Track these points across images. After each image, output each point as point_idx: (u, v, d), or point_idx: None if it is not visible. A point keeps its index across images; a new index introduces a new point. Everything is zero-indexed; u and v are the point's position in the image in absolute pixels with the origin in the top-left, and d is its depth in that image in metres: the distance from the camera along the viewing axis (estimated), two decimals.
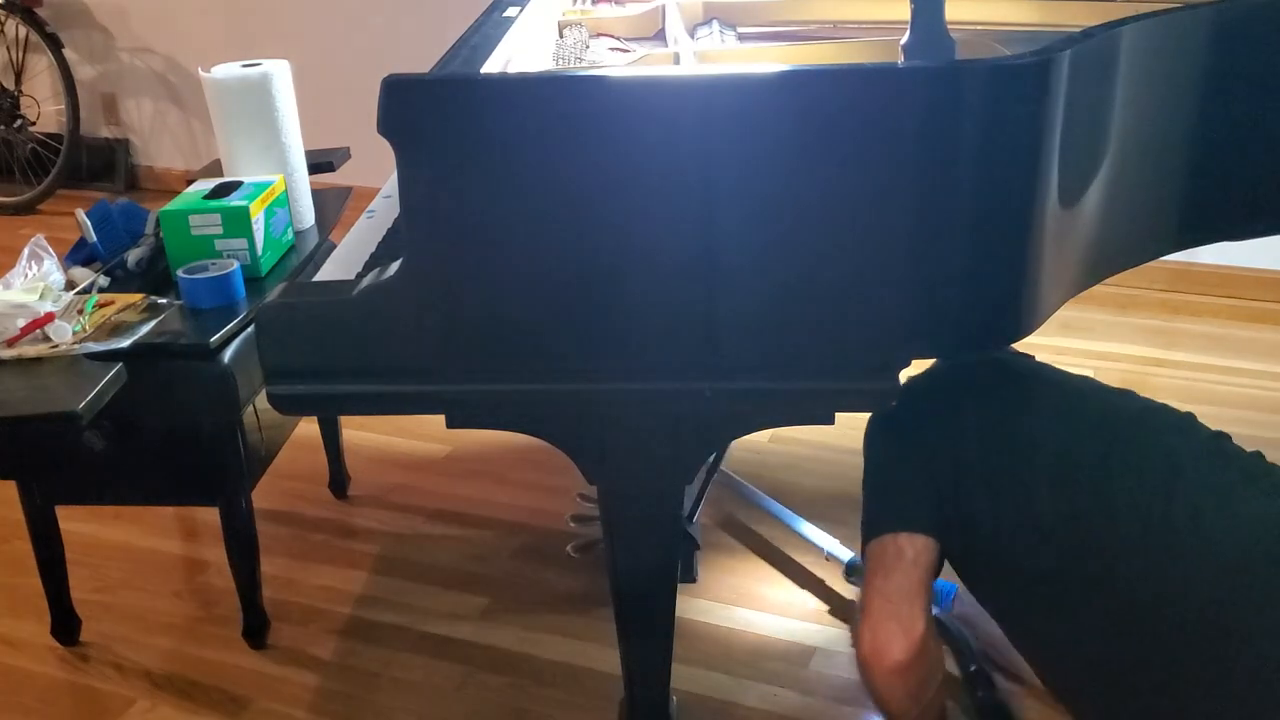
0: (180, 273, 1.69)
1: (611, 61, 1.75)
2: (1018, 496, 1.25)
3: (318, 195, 2.05)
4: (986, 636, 1.70)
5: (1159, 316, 2.94)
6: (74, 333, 1.59)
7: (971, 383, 1.36)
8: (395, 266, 1.22)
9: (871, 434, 1.41)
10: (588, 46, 1.79)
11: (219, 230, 1.74)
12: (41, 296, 1.64)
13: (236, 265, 1.71)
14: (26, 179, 4.16)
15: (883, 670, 1.31)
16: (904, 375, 1.29)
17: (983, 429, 1.30)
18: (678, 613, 1.51)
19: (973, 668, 1.66)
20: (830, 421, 1.31)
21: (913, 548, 1.28)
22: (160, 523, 2.21)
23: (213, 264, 1.71)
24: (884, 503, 1.35)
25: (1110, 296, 2.92)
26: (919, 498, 1.31)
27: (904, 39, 1.30)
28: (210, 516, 1.79)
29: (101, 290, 1.74)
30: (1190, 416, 1.26)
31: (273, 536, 2.12)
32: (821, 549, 1.97)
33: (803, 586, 1.96)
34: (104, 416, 1.49)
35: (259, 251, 1.76)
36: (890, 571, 1.29)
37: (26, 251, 1.73)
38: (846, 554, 1.94)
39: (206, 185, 1.83)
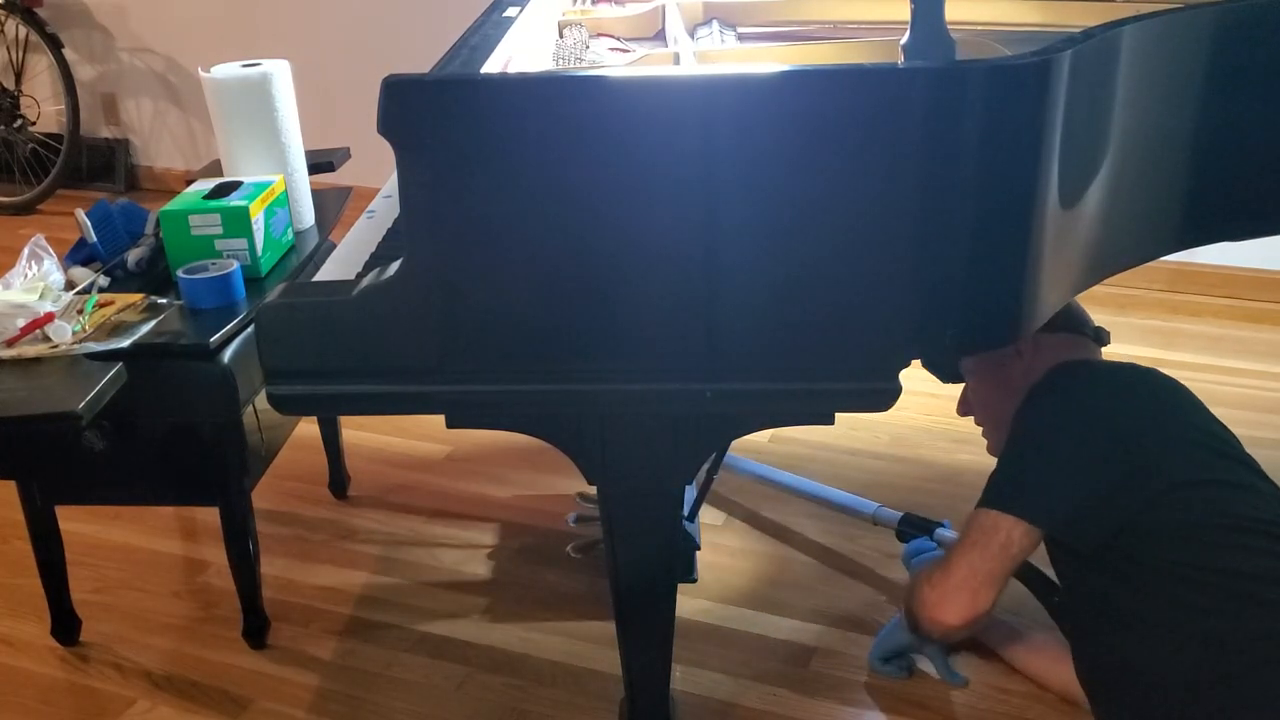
0: (180, 273, 1.69)
1: (611, 61, 1.75)
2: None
3: (318, 195, 2.05)
4: None
5: (1159, 316, 2.94)
6: (74, 333, 1.59)
7: (1153, 395, 1.47)
8: (395, 267, 1.22)
9: (1040, 413, 1.47)
10: (588, 46, 1.79)
11: (219, 230, 1.74)
12: (41, 296, 1.64)
13: (236, 265, 1.71)
14: (26, 179, 4.16)
15: (932, 622, 1.46)
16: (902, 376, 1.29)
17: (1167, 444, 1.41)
18: (678, 613, 1.51)
19: (1056, 599, 1.67)
20: (830, 421, 1.31)
21: (1020, 537, 1.38)
22: (160, 523, 2.21)
23: (213, 264, 1.71)
24: (1018, 484, 1.43)
25: (1110, 296, 2.93)
26: (1057, 493, 1.39)
27: (904, 39, 1.30)
28: (210, 516, 1.79)
29: (101, 290, 1.73)
30: None
31: (273, 536, 2.12)
32: (867, 512, 1.97)
33: (803, 586, 1.96)
34: (104, 416, 1.49)
35: (259, 251, 1.76)
36: (988, 551, 1.39)
37: (26, 251, 1.73)
38: (895, 514, 1.96)
39: (206, 185, 1.83)
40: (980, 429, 1.71)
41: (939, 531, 1.87)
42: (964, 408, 1.72)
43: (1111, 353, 2.73)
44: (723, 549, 2.06)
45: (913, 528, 1.92)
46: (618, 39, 1.91)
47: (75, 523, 1.96)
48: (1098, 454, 1.41)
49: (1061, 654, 1.63)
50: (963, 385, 1.71)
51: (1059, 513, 1.40)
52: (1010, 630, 1.72)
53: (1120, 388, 1.51)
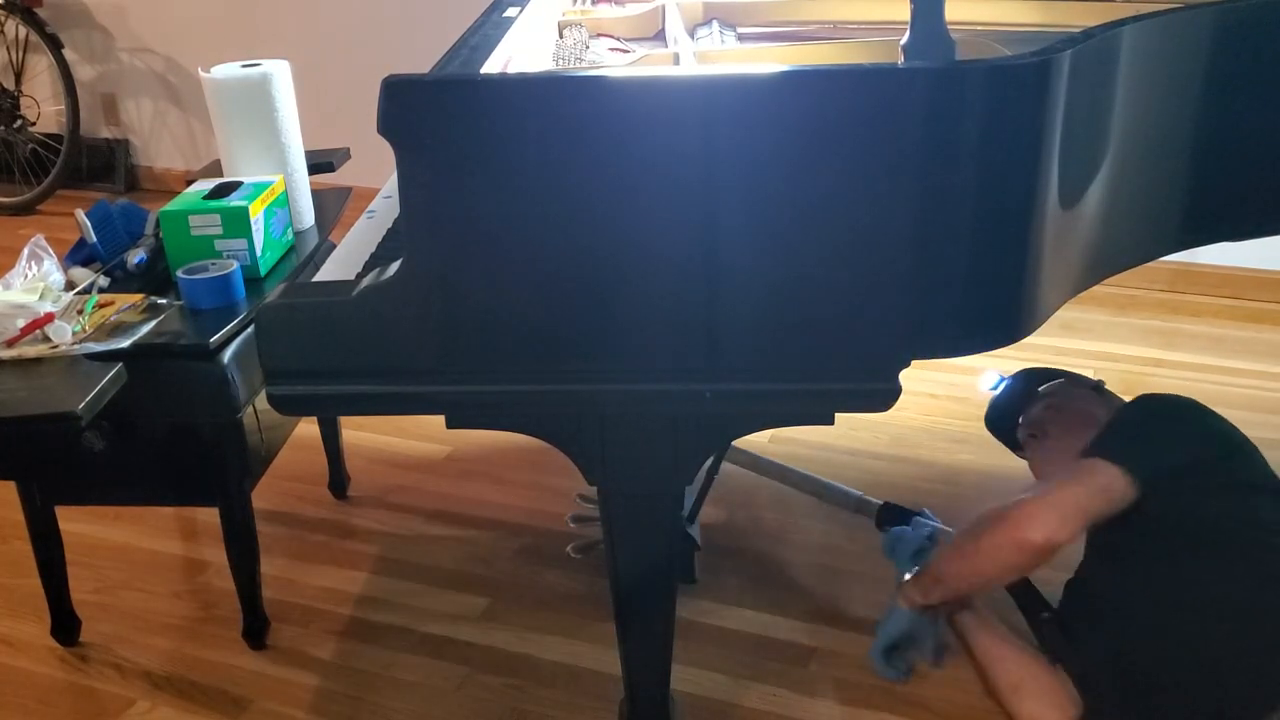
0: (180, 273, 1.69)
1: (611, 62, 1.75)
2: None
3: (318, 195, 2.05)
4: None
5: (1159, 317, 2.94)
6: (74, 333, 1.59)
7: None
8: (395, 267, 1.23)
9: (1148, 401, 1.66)
10: (587, 47, 1.79)
11: (219, 230, 1.74)
12: (41, 297, 1.64)
13: (236, 266, 1.71)
14: (26, 179, 4.16)
15: (1010, 533, 1.48)
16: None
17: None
18: (678, 613, 1.51)
19: (1045, 614, 1.68)
20: (830, 422, 1.31)
21: (1121, 487, 1.49)
22: (160, 523, 2.21)
23: (212, 264, 1.71)
24: (1127, 440, 1.56)
25: (1110, 296, 2.92)
26: (1160, 454, 1.53)
27: (904, 39, 1.30)
28: (210, 516, 1.79)
29: (101, 290, 1.73)
30: None
31: (273, 537, 2.12)
32: (850, 497, 1.97)
33: (803, 586, 1.96)
34: (104, 417, 1.49)
35: (259, 252, 1.76)
36: (1089, 488, 1.50)
37: (26, 252, 1.73)
38: (876, 502, 1.95)
39: (206, 185, 1.83)
40: (1029, 452, 1.81)
41: (917, 519, 1.86)
42: (1030, 430, 1.81)
43: (1112, 352, 2.73)
44: (723, 549, 2.06)
45: (891, 515, 1.91)
46: (618, 39, 1.91)
47: (75, 523, 1.96)
48: (1197, 435, 1.58)
49: (1015, 652, 1.64)
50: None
51: (1156, 472, 1.50)
52: (985, 615, 1.71)
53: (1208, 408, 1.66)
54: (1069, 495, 1.50)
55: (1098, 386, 1.82)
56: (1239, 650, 1.42)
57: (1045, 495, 1.51)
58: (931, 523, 1.85)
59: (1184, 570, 1.48)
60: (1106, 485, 1.49)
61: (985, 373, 1.95)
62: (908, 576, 1.67)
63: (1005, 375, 1.93)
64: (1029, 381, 1.89)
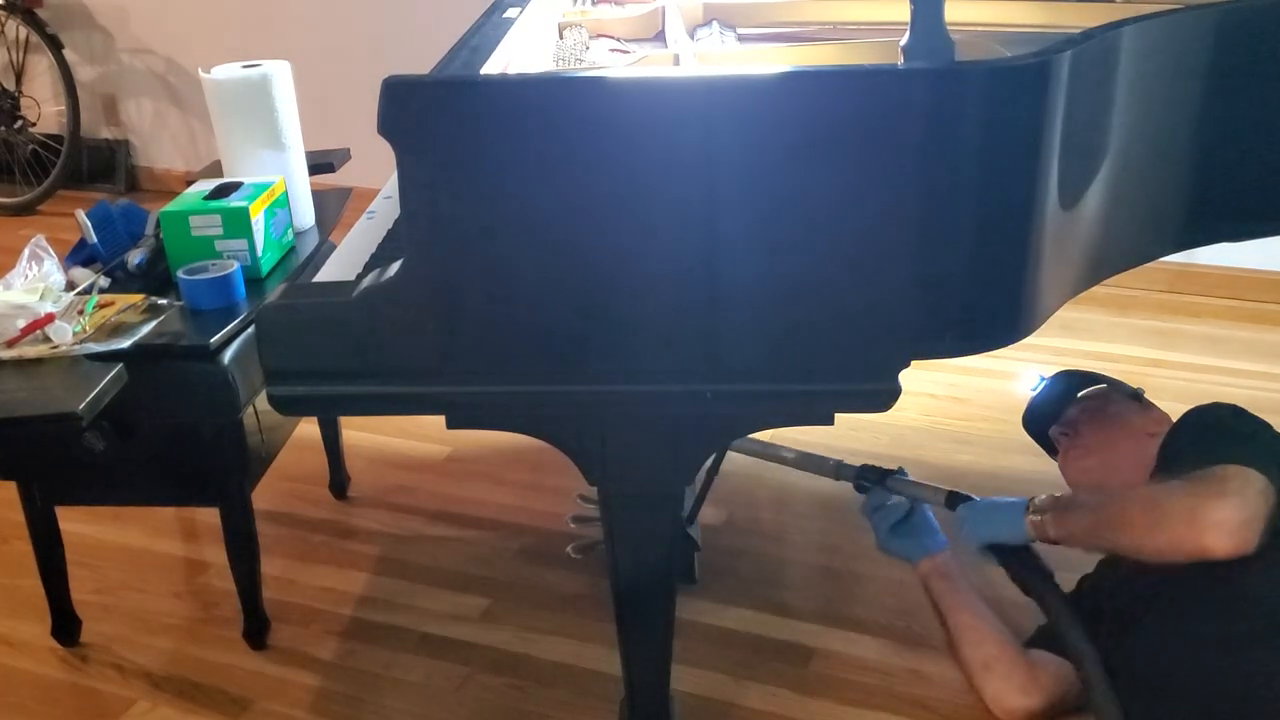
0: (180, 273, 1.69)
1: (611, 63, 1.75)
2: None
3: (318, 196, 2.05)
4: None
5: (1159, 317, 2.94)
6: (74, 333, 1.59)
7: None
8: (395, 268, 1.23)
9: (1217, 409, 1.65)
10: (587, 48, 1.79)
11: (219, 231, 1.74)
12: (42, 297, 1.64)
13: (237, 266, 1.71)
14: (27, 180, 4.16)
15: (1197, 540, 1.42)
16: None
17: None
18: (678, 613, 1.51)
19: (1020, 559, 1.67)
20: (830, 422, 1.31)
21: (1268, 489, 1.44)
22: (160, 523, 2.21)
23: (213, 265, 1.71)
24: (1250, 447, 1.51)
25: (1110, 297, 2.92)
26: (1273, 456, 1.49)
27: (904, 40, 1.30)
28: (210, 517, 1.79)
29: (102, 291, 1.74)
30: None
31: (273, 537, 2.12)
32: (828, 463, 1.93)
33: (803, 586, 1.96)
34: (104, 417, 1.49)
35: (259, 252, 1.76)
36: (1266, 499, 1.43)
37: (27, 252, 1.73)
38: (854, 465, 1.92)
39: (206, 186, 1.83)
40: (1061, 453, 1.79)
41: (890, 480, 1.82)
42: (1063, 429, 1.79)
43: (1111, 353, 2.72)
44: (723, 549, 2.06)
45: (869, 476, 1.86)
46: (618, 40, 1.91)
47: (75, 523, 1.96)
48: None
49: (992, 634, 1.64)
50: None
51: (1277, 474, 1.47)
52: (969, 592, 1.71)
53: None
54: (1255, 508, 1.42)
55: (1137, 395, 1.79)
56: (1258, 653, 1.39)
57: (1244, 507, 1.42)
58: (907, 479, 1.81)
59: (1222, 574, 1.44)
60: (1265, 491, 1.43)
61: (1025, 373, 1.93)
62: (1041, 515, 1.58)
63: (1046, 376, 1.90)
64: (1069, 384, 1.87)
